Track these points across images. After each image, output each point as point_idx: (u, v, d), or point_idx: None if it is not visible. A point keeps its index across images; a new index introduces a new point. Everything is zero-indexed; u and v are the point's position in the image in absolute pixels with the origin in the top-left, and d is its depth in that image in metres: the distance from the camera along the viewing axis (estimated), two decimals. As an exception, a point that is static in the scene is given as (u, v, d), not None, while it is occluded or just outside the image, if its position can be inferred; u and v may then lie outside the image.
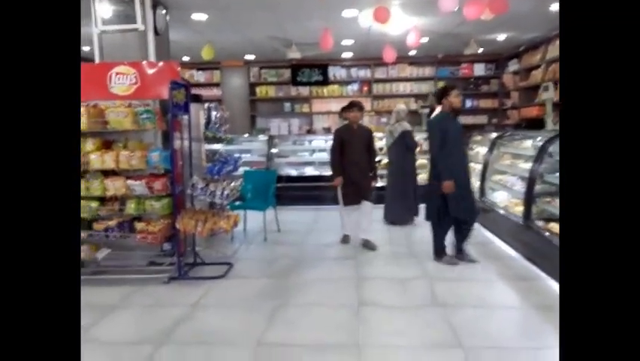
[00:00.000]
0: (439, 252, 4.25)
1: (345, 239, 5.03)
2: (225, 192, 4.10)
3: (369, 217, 4.83)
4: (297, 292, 3.62)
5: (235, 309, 3.33)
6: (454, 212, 4.05)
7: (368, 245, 4.75)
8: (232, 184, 4.18)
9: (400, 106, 6.01)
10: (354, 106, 4.90)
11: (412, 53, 9.04)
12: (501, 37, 7.87)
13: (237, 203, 5.10)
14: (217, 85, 9.81)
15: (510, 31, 7.51)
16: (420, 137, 6.63)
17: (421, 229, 5.60)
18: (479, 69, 9.71)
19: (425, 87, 9.74)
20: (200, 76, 9.80)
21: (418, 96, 9.73)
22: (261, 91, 9.88)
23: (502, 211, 4.97)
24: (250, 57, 9.35)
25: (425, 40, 7.62)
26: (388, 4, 5.47)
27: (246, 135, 8.32)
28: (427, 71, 9.74)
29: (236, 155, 5.26)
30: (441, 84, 9.66)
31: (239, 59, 9.50)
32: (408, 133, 5.78)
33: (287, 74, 9.62)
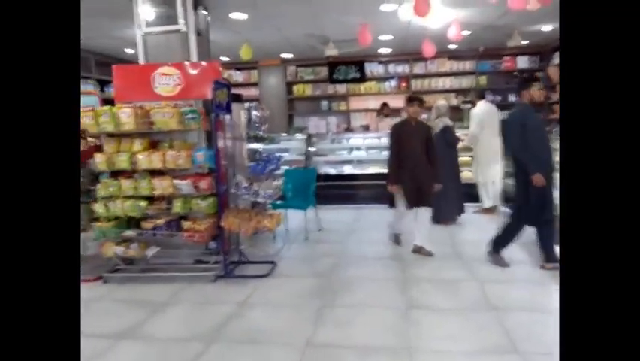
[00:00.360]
0: (551, 256, 3.83)
1: (397, 239, 4.82)
2: (268, 191, 4.12)
3: (427, 224, 4.48)
4: (342, 292, 3.57)
5: (282, 308, 3.33)
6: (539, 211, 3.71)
7: (422, 252, 4.41)
8: (274, 183, 4.18)
9: (441, 101, 5.86)
10: (413, 100, 4.48)
11: (452, 46, 8.80)
12: (546, 27, 7.53)
13: (278, 202, 5.11)
14: (255, 84, 9.89)
15: (557, 22, 7.17)
16: (461, 133, 6.44)
17: (466, 228, 5.45)
18: (522, 62, 9.34)
19: (466, 82, 9.47)
20: (238, 76, 9.91)
21: (458, 91, 9.47)
22: (297, 89, 9.89)
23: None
24: (287, 56, 9.37)
25: (466, 33, 7.39)
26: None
27: (284, 134, 8.34)
28: (468, 65, 9.45)
29: (276, 154, 5.27)
30: (482, 79, 9.40)
31: (276, 58, 9.53)
32: (449, 129, 5.63)
33: (323, 71, 9.58)
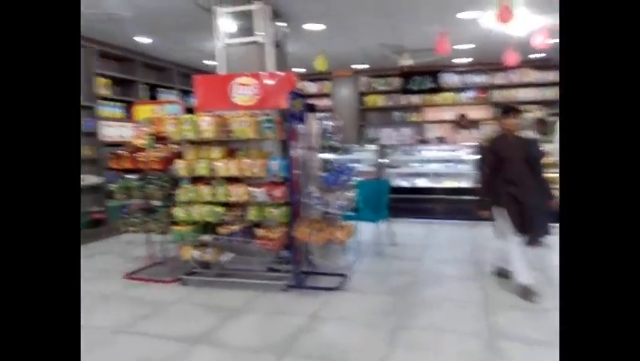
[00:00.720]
0: None
1: (504, 272, 3.99)
2: (341, 202, 4.02)
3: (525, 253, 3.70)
4: (418, 312, 3.36)
5: (354, 325, 3.18)
6: None
7: (526, 293, 3.52)
8: (347, 194, 4.07)
9: (526, 114, 5.45)
10: (509, 111, 3.77)
11: (536, 55, 8.24)
12: None
13: (350, 213, 4.99)
14: (327, 95, 9.94)
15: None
16: (549, 147, 5.93)
17: (555, 251, 4.96)
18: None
19: (550, 93, 8.81)
20: (311, 87, 10.02)
21: (542, 103, 8.83)
22: (369, 100, 9.79)
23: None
24: (360, 66, 9.32)
25: (554, 41, 6.87)
26: (511, 3, 4.98)
27: (355, 145, 8.25)
28: (552, 75, 8.80)
29: (348, 164, 5.16)
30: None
31: (348, 69, 9.52)
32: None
33: (397, 82, 9.40)
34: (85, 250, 5.16)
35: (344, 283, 4.00)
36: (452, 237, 5.64)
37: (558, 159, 5.51)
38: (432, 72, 8.96)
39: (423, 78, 9.04)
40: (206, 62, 8.27)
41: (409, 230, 6.05)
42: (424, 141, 8.82)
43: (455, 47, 7.29)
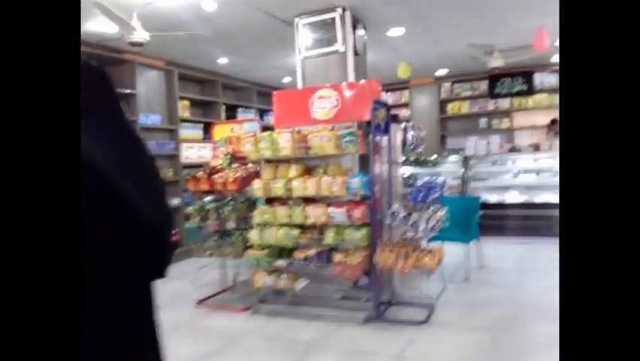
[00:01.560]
0: None
1: None
2: (431, 224, 3.62)
3: None
4: (524, 356, 2.87)
5: (448, 370, 2.79)
6: None
7: None
8: (438, 214, 3.67)
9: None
10: None
11: None
12: None
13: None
14: (405, 105, 9.51)
15: None
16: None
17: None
18: None
19: None
20: (388, 97, 9.64)
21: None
22: (452, 107, 9.18)
23: None
24: (442, 72, 8.81)
25: None
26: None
27: (435, 156, 7.73)
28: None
29: (435, 178, 4.74)
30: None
31: (429, 76, 9.05)
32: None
33: (483, 86, 8.71)
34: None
35: (430, 316, 3.59)
36: (554, 259, 4.96)
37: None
38: (524, 73, 8.18)
39: (513, 80, 8.27)
40: (284, 80, 8.29)
41: (501, 251, 5.45)
42: (514, 150, 8.04)
43: (555, 43, 6.55)
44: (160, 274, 1.68)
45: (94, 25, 4.71)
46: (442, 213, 3.73)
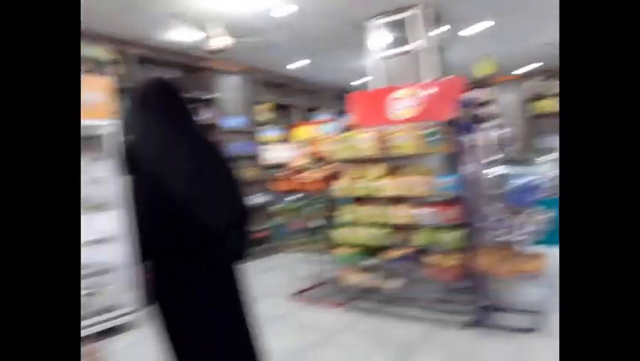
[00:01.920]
0: None
1: None
2: (530, 227, 3.30)
3: None
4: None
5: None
6: None
7: None
8: (540, 217, 3.34)
9: None
10: None
11: None
12: None
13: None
14: (488, 103, 9.02)
15: None
16: None
17: None
18: None
19: None
20: (473, 95, 9.22)
21: None
22: (541, 105, 8.55)
23: None
24: (529, 67, 8.26)
25: None
26: None
27: (528, 156, 7.22)
28: None
29: (534, 179, 4.36)
30: None
31: (515, 73, 8.52)
32: None
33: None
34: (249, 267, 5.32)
35: (539, 324, 3.23)
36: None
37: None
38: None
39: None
40: (353, 83, 8.31)
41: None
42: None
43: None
44: (237, 258, 1.89)
45: (174, 34, 4.94)
46: (542, 216, 3.39)
